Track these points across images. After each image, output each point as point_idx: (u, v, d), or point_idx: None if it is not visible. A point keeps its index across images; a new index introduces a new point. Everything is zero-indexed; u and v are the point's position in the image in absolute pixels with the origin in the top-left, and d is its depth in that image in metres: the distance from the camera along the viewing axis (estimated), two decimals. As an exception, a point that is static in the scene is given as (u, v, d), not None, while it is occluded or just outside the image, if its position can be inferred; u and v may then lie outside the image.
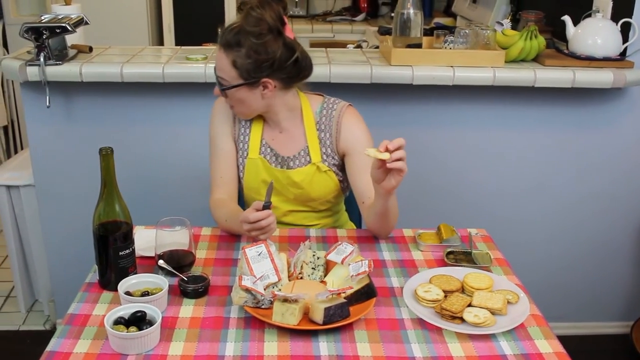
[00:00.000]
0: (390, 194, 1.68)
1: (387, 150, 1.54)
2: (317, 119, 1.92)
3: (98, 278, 1.58)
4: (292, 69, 1.79)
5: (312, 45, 4.57)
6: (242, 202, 2.03)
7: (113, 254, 1.52)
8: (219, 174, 1.94)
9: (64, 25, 2.33)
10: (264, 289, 1.47)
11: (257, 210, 1.63)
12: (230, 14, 4.87)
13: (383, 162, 1.56)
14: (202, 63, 2.42)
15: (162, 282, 1.49)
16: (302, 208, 1.96)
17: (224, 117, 1.95)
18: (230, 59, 1.76)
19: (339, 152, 1.92)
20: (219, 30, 1.80)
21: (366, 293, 1.49)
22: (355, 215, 2.20)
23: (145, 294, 1.46)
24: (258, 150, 1.92)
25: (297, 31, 1.84)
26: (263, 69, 1.76)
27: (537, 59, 2.55)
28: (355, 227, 2.16)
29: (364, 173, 1.85)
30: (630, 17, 2.45)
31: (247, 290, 1.44)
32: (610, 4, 2.53)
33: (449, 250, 1.76)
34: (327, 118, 1.92)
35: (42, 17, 2.42)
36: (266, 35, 1.74)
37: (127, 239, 1.54)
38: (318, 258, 1.61)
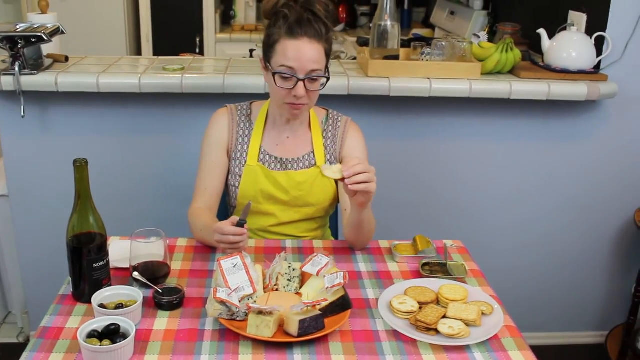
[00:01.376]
0: (363, 208, 1.70)
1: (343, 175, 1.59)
2: (323, 128, 1.99)
3: (72, 290, 1.57)
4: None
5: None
6: (224, 217, 2.04)
7: (87, 265, 1.52)
8: (204, 185, 1.96)
9: (39, 34, 2.32)
10: (239, 301, 1.47)
11: (233, 224, 1.63)
12: (209, 25, 4.88)
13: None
14: (179, 73, 2.42)
15: (136, 294, 1.49)
16: (296, 216, 1.98)
17: (222, 129, 1.97)
18: (323, 48, 1.78)
19: (340, 159, 1.98)
20: (281, 23, 1.76)
21: (341, 305, 1.50)
22: (332, 226, 2.21)
23: (119, 306, 1.45)
24: (257, 158, 1.94)
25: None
26: (331, 54, 1.84)
27: (513, 72, 2.58)
28: (332, 238, 2.17)
29: None
30: (604, 31, 2.49)
31: (222, 302, 1.44)
32: (585, 18, 2.57)
33: (424, 261, 1.77)
34: (332, 127, 1.99)
35: (18, 26, 2.40)
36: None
37: (101, 250, 1.53)
38: (293, 270, 1.62)
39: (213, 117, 2.00)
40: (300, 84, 1.76)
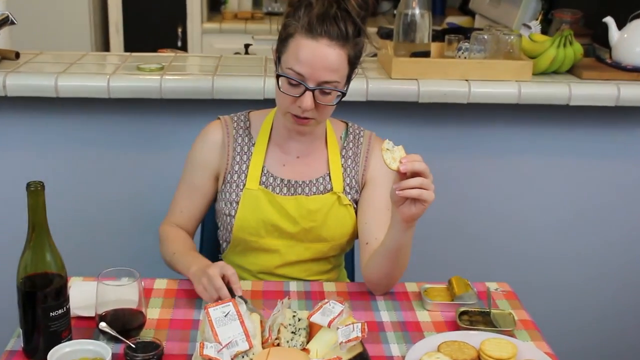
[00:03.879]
0: (408, 226, 1.70)
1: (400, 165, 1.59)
2: (343, 145, 2.00)
3: (22, 345, 1.58)
4: None
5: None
6: (212, 254, 2.06)
7: (42, 314, 1.52)
8: (179, 207, 2.01)
9: (-18, 25, 2.35)
10: (232, 359, 1.47)
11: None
12: (193, 13, 4.91)
13: (402, 176, 1.61)
14: (158, 74, 2.44)
15: (103, 350, 1.49)
16: (305, 254, 1.99)
17: (211, 149, 1.98)
18: (346, 54, 1.77)
19: (363, 183, 1.99)
20: (301, 13, 1.76)
21: (359, 364, 1.50)
22: (347, 265, 2.22)
23: (82, 365, 1.46)
24: (258, 180, 1.95)
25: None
26: (357, 63, 1.83)
27: (573, 71, 2.59)
28: (347, 280, 2.18)
29: (378, 210, 1.92)
30: (688, 20, 2.50)
31: (210, 360, 1.45)
32: (664, 4, 2.58)
33: (462, 309, 1.77)
34: (354, 144, 2.00)
35: (-46, 15, 2.42)
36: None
37: (60, 295, 1.54)
38: (299, 320, 1.62)
39: (203, 132, 2.02)
40: (309, 94, 1.76)
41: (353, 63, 1.81)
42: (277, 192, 1.95)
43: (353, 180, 1.98)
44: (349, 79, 1.83)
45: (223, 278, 1.72)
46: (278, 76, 1.80)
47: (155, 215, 2.55)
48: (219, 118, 2.02)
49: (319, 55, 1.74)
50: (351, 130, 2.03)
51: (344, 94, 1.81)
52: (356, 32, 1.77)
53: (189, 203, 2.01)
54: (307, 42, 1.74)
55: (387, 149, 1.61)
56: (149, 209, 2.59)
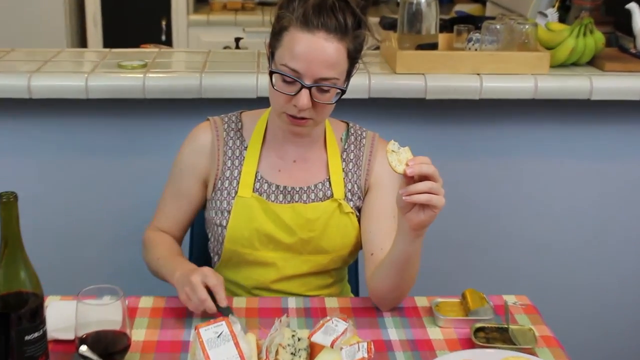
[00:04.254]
0: (416, 235, 1.69)
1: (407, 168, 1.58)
2: (343, 147, 1.99)
3: (-4, 371, 1.58)
4: None
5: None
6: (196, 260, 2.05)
7: (16, 338, 1.51)
8: (165, 213, 2.03)
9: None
10: (225, 384, 1.47)
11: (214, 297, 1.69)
12: (178, 4, 4.92)
13: (410, 179, 1.60)
14: (140, 72, 2.44)
15: (84, 376, 1.49)
16: (304, 267, 1.98)
17: (200, 153, 1.99)
18: (345, 49, 1.77)
19: (366, 188, 1.99)
20: (296, 4, 1.76)
21: (365, 387, 1.50)
22: (351, 279, 2.21)
23: (61, 393, 1.45)
24: (251, 187, 1.95)
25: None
26: (358, 57, 1.83)
27: (594, 62, 2.59)
28: (350, 295, 2.18)
29: (383, 217, 1.91)
30: None
31: (202, 386, 1.45)
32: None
33: (478, 325, 1.77)
34: (355, 147, 2.00)
35: None
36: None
37: (36, 317, 1.53)
38: (299, 339, 1.61)
39: (190, 135, 2.02)
40: (305, 92, 1.76)
41: (353, 57, 1.80)
42: (272, 199, 1.95)
43: (355, 185, 1.98)
44: (349, 75, 1.82)
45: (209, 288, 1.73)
46: (271, 73, 1.79)
47: (139, 226, 2.54)
48: (208, 119, 2.01)
49: (315, 49, 1.73)
50: (352, 131, 2.02)
51: (343, 92, 1.81)
52: (356, 23, 1.77)
53: (175, 209, 2.02)
54: (303, 36, 1.74)
55: (393, 151, 1.60)
56: (132, 219, 2.59)
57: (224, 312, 1.69)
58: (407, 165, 1.58)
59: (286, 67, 1.75)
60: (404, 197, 1.59)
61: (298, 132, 1.88)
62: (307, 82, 1.75)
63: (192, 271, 1.77)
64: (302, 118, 1.81)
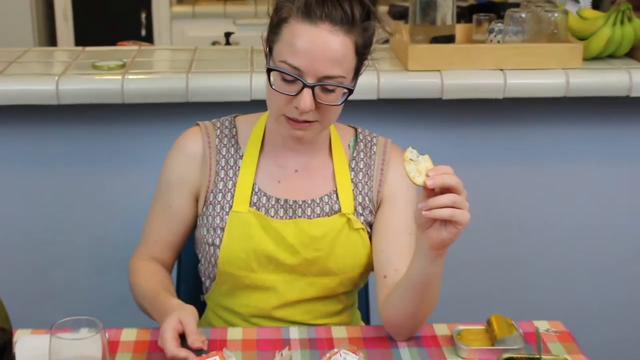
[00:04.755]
0: (437, 254, 1.68)
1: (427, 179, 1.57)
2: (352, 156, 1.99)
3: (-41, 417, 1.57)
4: None
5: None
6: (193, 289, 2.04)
7: (-18, 378, 1.51)
8: (154, 237, 2.00)
9: None
10: None
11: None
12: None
13: (430, 192, 1.58)
14: (118, 73, 2.44)
15: (59, 421, 1.48)
16: (309, 291, 1.98)
17: (189, 161, 1.98)
18: (353, 43, 1.77)
19: (378, 202, 1.98)
20: (294, 0, 1.75)
21: None
22: (361, 305, 2.21)
23: None
24: (248, 200, 1.94)
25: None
26: (367, 53, 1.83)
27: (633, 54, 2.60)
28: (361, 323, 2.17)
29: (399, 234, 1.91)
30: None
31: None
32: None
33: (506, 355, 1.76)
34: (365, 155, 2.00)
35: None
36: None
37: (4, 354, 1.53)
38: (304, 375, 1.61)
39: (177, 143, 2.00)
40: (307, 92, 1.75)
41: (361, 53, 1.80)
42: (272, 214, 1.94)
43: (366, 198, 1.97)
44: (356, 73, 1.82)
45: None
46: (269, 71, 1.79)
47: (119, 248, 2.54)
48: (197, 124, 2.01)
49: (319, 43, 1.73)
50: (361, 137, 2.02)
51: (350, 91, 1.80)
52: (365, 14, 1.76)
53: (164, 230, 1.99)
54: (305, 28, 1.73)
55: (411, 160, 1.59)
56: (112, 240, 2.59)
57: (198, 353, 1.66)
58: (427, 175, 1.57)
59: (286, 64, 1.75)
60: (423, 212, 1.58)
61: (300, 137, 1.86)
62: (310, 81, 1.74)
63: (168, 315, 1.73)
64: (305, 121, 1.80)
